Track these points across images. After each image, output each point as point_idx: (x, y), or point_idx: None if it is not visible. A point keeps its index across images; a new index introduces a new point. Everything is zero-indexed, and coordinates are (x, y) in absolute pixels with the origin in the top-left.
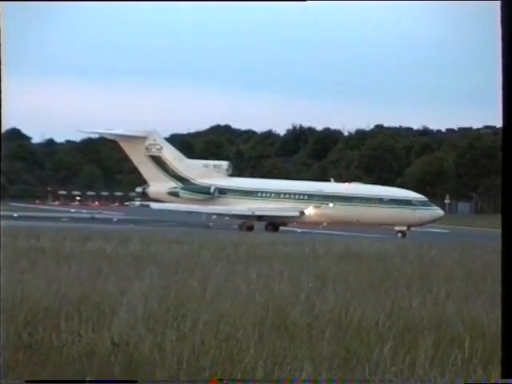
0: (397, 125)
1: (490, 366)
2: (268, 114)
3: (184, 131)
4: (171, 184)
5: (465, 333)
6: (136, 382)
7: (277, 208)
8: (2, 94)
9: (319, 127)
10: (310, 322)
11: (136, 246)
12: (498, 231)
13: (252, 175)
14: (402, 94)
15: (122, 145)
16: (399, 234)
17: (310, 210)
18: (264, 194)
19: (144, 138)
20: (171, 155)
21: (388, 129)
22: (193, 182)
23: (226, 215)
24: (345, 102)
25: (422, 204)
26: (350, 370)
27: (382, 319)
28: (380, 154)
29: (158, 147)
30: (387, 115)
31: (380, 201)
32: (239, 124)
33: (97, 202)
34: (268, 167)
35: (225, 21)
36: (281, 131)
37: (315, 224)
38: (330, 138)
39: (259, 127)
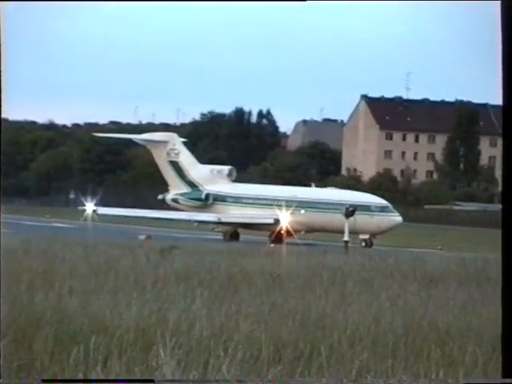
0: (22, 118)
1: (108, 360)
2: None
3: None
4: (184, 190)
5: (87, 328)
6: (153, 381)
7: (250, 215)
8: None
9: None
10: None
11: None
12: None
13: None
14: (28, 87)
15: (150, 150)
16: (363, 243)
17: (287, 217)
18: (248, 201)
19: (165, 143)
20: (187, 160)
21: (12, 122)
22: (200, 188)
23: (190, 221)
24: None
25: (381, 210)
26: None
27: (3, 315)
28: (3, 147)
29: (176, 152)
30: (11, 108)
31: (342, 206)
32: None
33: None
34: None
35: None
36: None
37: (295, 231)
38: None
39: None
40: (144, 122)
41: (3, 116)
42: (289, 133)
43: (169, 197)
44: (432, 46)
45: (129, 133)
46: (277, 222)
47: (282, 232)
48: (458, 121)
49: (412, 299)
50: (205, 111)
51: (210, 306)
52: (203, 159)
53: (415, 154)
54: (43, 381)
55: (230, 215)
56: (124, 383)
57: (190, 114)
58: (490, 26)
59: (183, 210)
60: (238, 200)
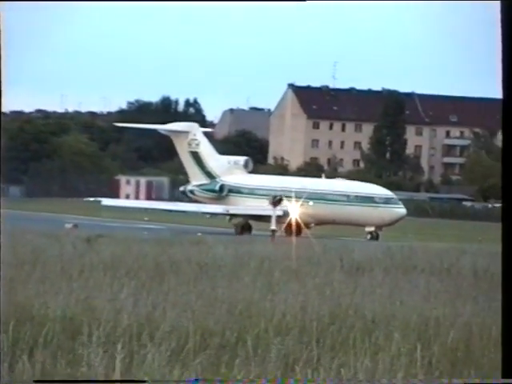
0: None
1: (34, 349)
2: None
3: None
4: (203, 181)
5: (13, 317)
6: (146, 381)
7: (259, 207)
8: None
9: None
10: None
11: None
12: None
13: None
14: None
15: (174, 141)
16: (368, 236)
17: (297, 209)
18: (261, 192)
19: (186, 133)
20: (206, 151)
21: None
22: (217, 179)
23: (197, 213)
24: None
25: (385, 201)
26: None
27: None
28: None
29: (196, 142)
30: None
31: (347, 198)
32: None
33: None
34: None
35: None
36: None
37: (305, 224)
38: None
39: None
40: (70, 110)
41: None
42: (216, 121)
43: (188, 188)
44: (358, 35)
45: (56, 121)
46: (286, 213)
47: (292, 224)
48: (385, 110)
49: (339, 288)
50: (131, 100)
51: (137, 295)
52: (130, 148)
53: (342, 143)
54: (35, 381)
55: (238, 207)
56: (117, 383)
57: (116, 102)
58: (416, 15)
59: (200, 202)
60: (251, 191)
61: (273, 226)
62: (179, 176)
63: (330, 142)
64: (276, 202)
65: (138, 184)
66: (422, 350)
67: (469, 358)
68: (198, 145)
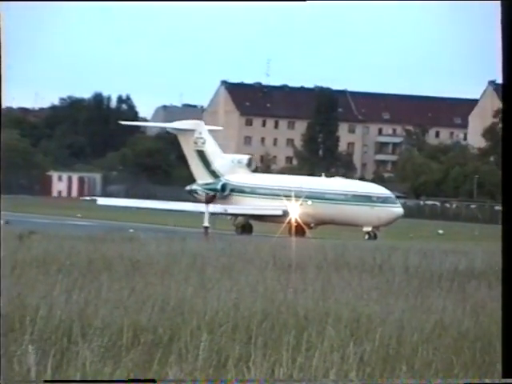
0: None
1: None
2: None
3: None
4: (208, 181)
5: None
6: (155, 381)
7: (258, 206)
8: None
9: None
10: None
11: None
12: None
13: None
14: None
15: (179, 139)
16: (366, 236)
17: (297, 209)
18: (262, 191)
19: (192, 131)
20: (212, 149)
21: None
22: (222, 178)
23: (193, 213)
24: None
25: (382, 201)
26: None
27: None
28: None
29: (202, 141)
30: None
31: (344, 196)
32: None
33: None
34: None
35: None
36: None
37: (305, 224)
38: None
39: None
40: (2, 105)
41: None
42: (149, 118)
43: (192, 187)
44: (291, 32)
45: None
46: (285, 213)
47: (293, 224)
48: (317, 107)
49: (272, 285)
50: (64, 96)
51: (70, 292)
52: (62, 144)
53: (275, 140)
54: (45, 381)
55: (236, 206)
56: (125, 383)
57: (48, 98)
58: (350, 13)
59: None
60: (253, 190)
61: (206, 223)
62: (112, 172)
63: (263, 139)
64: (209, 198)
65: (70, 180)
66: (354, 347)
67: (400, 354)
68: (203, 143)
